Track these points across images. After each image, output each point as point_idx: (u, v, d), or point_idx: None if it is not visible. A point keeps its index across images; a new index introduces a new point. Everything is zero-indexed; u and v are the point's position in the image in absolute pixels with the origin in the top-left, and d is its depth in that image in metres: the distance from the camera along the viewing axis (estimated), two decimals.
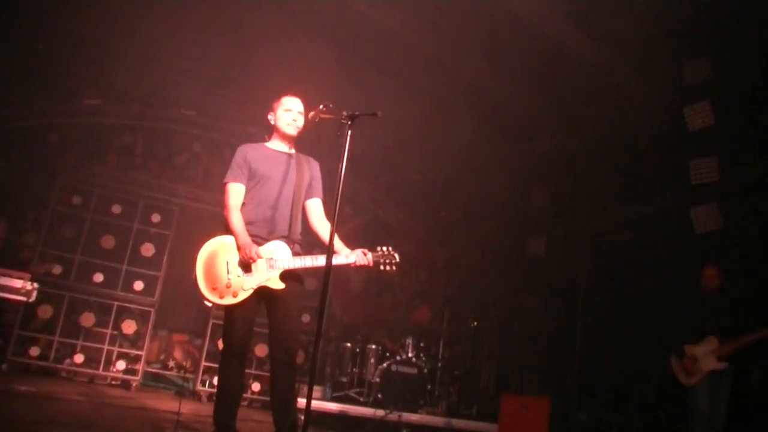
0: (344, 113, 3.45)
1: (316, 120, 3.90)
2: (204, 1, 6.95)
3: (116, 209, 7.95)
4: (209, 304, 3.78)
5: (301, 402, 4.83)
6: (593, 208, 8.32)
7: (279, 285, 3.72)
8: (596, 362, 8.12)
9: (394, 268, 3.88)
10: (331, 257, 3.38)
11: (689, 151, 6.44)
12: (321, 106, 3.82)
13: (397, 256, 3.88)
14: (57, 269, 7.49)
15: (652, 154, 7.24)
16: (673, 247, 7.26)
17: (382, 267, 3.87)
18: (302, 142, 4.20)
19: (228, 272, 3.68)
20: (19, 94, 7.72)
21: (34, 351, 7.31)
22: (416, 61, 7.21)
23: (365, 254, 3.83)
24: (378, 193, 9.13)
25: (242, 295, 3.67)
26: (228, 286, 3.66)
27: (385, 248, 3.90)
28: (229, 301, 3.66)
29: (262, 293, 3.74)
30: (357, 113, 3.41)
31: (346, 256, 3.80)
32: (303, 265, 3.75)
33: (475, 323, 9.28)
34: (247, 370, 7.12)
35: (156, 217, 8.09)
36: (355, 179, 8.13)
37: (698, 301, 5.71)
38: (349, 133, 3.42)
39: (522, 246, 8.61)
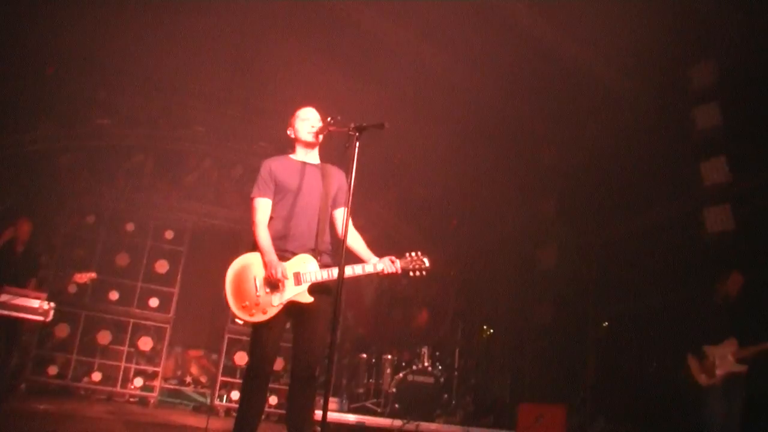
0: (352, 125, 3.47)
1: (324, 133, 3.93)
2: (209, 24, 7.04)
3: (129, 227, 8.03)
4: (240, 322, 3.76)
5: (318, 414, 4.84)
6: (602, 218, 8.29)
7: (308, 299, 3.68)
8: (610, 372, 8.06)
9: (423, 273, 3.81)
10: (343, 269, 3.37)
11: (698, 156, 6.42)
12: (329, 119, 3.85)
13: (426, 261, 3.80)
14: (75, 285, 7.10)
15: (660, 160, 7.22)
16: (684, 254, 7.20)
17: (411, 273, 3.80)
18: None
19: (256, 289, 3.64)
20: (29, 119, 7.80)
21: (53, 370, 7.38)
22: (421, 77, 7.25)
23: (393, 262, 3.77)
24: (384, 209, 9.15)
25: (271, 312, 3.63)
26: (257, 304, 3.62)
27: (414, 254, 3.82)
28: (259, 318, 3.62)
29: (291, 308, 3.69)
30: (365, 125, 3.42)
31: (374, 264, 3.74)
32: (331, 277, 3.73)
33: (491, 331, 9.28)
34: None
35: (169, 234, 8.17)
36: (363, 197, 8.17)
37: (717, 306, 5.65)
38: (357, 145, 3.44)
39: (531, 257, 8.60)
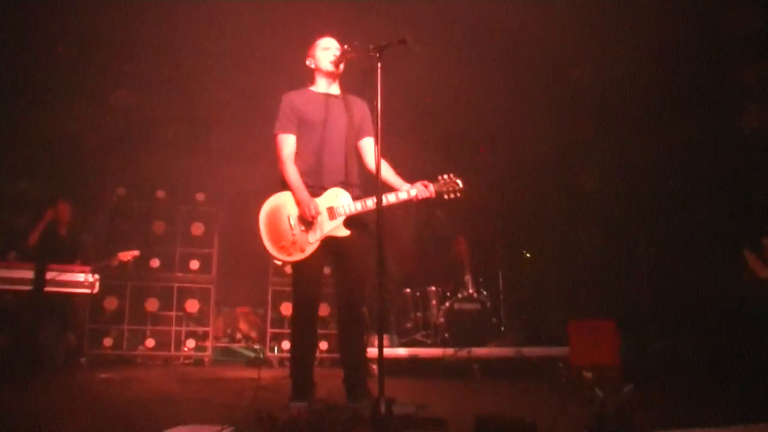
0: (371, 46, 3.34)
1: (343, 62, 3.82)
2: None
3: (160, 194, 8.07)
4: (279, 263, 3.78)
5: (372, 352, 4.89)
6: (643, 134, 8.05)
7: (344, 232, 3.66)
8: (663, 289, 7.96)
9: (458, 195, 3.76)
10: (381, 197, 3.31)
11: (740, 62, 6.16)
12: (345, 46, 3.73)
13: (460, 182, 3.75)
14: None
15: (697, 70, 6.94)
16: (732, 160, 6.99)
17: (446, 196, 3.75)
18: None
19: (291, 228, 3.62)
20: (57, 102, 7.78)
21: (108, 342, 7.57)
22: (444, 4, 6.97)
23: (426, 186, 3.72)
24: (416, 145, 9.00)
25: (309, 249, 3.62)
26: (294, 242, 3.60)
27: (446, 176, 3.77)
28: (297, 257, 3.62)
29: (329, 244, 3.68)
30: (385, 44, 3.29)
31: (407, 191, 3.69)
32: (365, 208, 3.68)
33: (528, 255, 9.21)
34: None
35: (201, 196, 8.19)
36: (395, 136, 8.03)
37: None
38: (380, 66, 3.32)
39: (572, 181, 8.46)
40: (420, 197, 3.70)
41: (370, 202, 3.64)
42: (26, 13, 6.89)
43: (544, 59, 7.68)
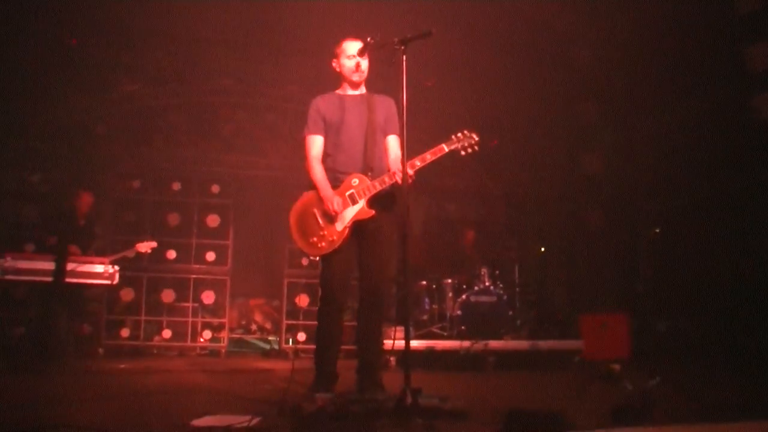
0: (395, 39, 3.35)
1: (366, 54, 3.84)
2: None
3: (176, 186, 8.11)
4: (314, 258, 3.84)
5: (389, 343, 4.91)
6: (644, 114, 8.03)
7: (368, 213, 3.72)
8: (667, 271, 7.95)
9: (476, 148, 3.79)
10: (406, 187, 3.33)
11: (742, 40, 6.12)
12: (368, 39, 3.74)
13: (475, 136, 3.78)
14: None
15: (701, 48, 6.90)
16: (731, 142, 6.95)
17: (463, 152, 3.78)
18: None
19: (319, 222, 3.72)
20: (61, 92, 7.83)
21: (125, 332, 7.64)
22: None
23: (441, 149, 3.75)
24: (421, 132, 8.99)
25: (338, 239, 3.69)
26: (323, 236, 3.69)
27: (460, 133, 3.80)
28: (328, 248, 3.69)
29: (356, 228, 3.75)
30: (410, 36, 3.29)
31: (421, 158, 3.68)
32: (384, 183, 3.70)
33: (543, 249, 9.22)
34: None
35: (216, 188, 8.22)
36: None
37: None
38: (405, 59, 3.33)
39: (577, 164, 8.44)
40: (438, 155, 3.71)
41: (387, 178, 3.69)
42: (30, 5, 6.93)
43: (548, 40, 7.66)
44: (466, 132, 3.79)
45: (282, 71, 8.35)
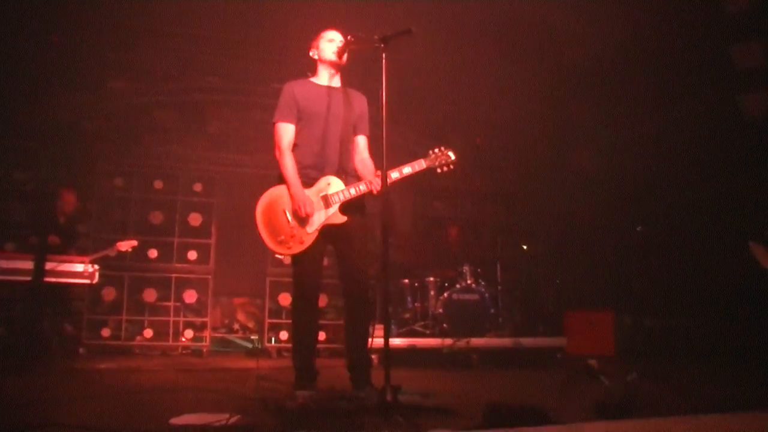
0: (376, 37, 3.35)
1: (346, 52, 3.83)
2: None
3: (158, 184, 8.04)
4: (280, 257, 3.80)
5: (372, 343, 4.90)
6: (635, 114, 8.09)
7: (341, 219, 3.69)
8: (657, 269, 8.03)
9: (451, 167, 3.80)
10: (386, 176, 3.33)
11: (731, 40, 6.19)
12: (349, 37, 3.74)
13: (451, 154, 3.79)
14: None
15: (689, 48, 6.97)
16: (725, 142, 7.04)
17: (439, 170, 3.80)
18: None
19: (288, 222, 3.65)
20: (46, 90, 7.76)
21: (106, 332, 7.56)
22: None
23: (417, 163, 3.77)
24: (409, 129, 9.01)
25: (308, 240, 3.64)
26: (293, 236, 3.62)
27: (437, 149, 3.81)
28: (297, 249, 3.64)
29: (327, 232, 3.70)
30: (390, 34, 3.30)
31: (399, 170, 3.72)
32: (359, 191, 3.70)
33: (525, 248, 9.26)
34: None
35: (198, 186, 8.16)
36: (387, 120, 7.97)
37: None
38: (384, 57, 3.33)
39: (566, 163, 8.49)
40: (415, 171, 3.75)
41: (363, 186, 3.69)
42: (16, 2, 6.86)
43: (536, 38, 7.69)
44: (442, 148, 3.81)
45: (270, 69, 8.32)
